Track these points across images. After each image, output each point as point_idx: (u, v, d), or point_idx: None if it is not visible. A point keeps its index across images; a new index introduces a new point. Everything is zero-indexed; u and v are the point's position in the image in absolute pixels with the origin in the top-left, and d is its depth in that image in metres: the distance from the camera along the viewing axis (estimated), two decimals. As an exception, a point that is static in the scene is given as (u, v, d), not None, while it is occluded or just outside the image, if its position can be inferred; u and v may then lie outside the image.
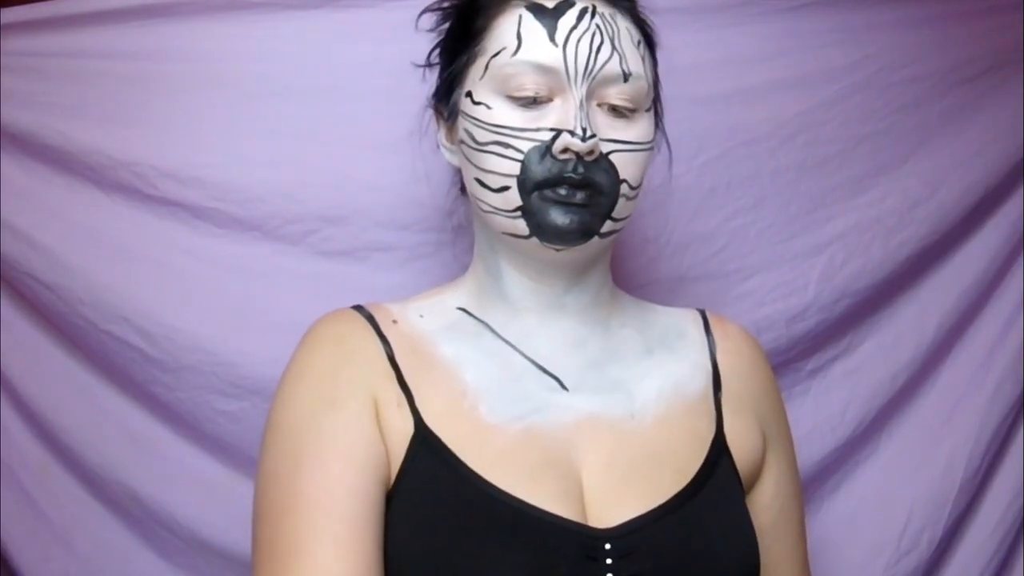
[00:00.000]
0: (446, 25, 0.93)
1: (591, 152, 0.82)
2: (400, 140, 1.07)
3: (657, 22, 0.93)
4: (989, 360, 1.30)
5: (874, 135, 1.26)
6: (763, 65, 1.23)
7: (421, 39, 0.96)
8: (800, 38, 1.25)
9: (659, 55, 0.93)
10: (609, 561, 0.79)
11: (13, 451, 1.18)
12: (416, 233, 1.15)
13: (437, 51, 0.94)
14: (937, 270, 1.30)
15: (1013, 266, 1.32)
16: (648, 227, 1.20)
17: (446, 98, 0.91)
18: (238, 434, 1.11)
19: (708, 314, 1.00)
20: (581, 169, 0.82)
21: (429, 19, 0.94)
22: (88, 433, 1.16)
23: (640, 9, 0.91)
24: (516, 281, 0.90)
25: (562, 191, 0.83)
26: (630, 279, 1.16)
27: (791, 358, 1.24)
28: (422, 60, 0.96)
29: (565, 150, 0.82)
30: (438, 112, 0.94)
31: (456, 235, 1.13)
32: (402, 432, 0.83)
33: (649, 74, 0.88)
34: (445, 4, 0.93)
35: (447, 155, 0.94)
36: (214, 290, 1.13)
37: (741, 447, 0.91)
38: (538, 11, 0.85)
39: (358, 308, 0.92)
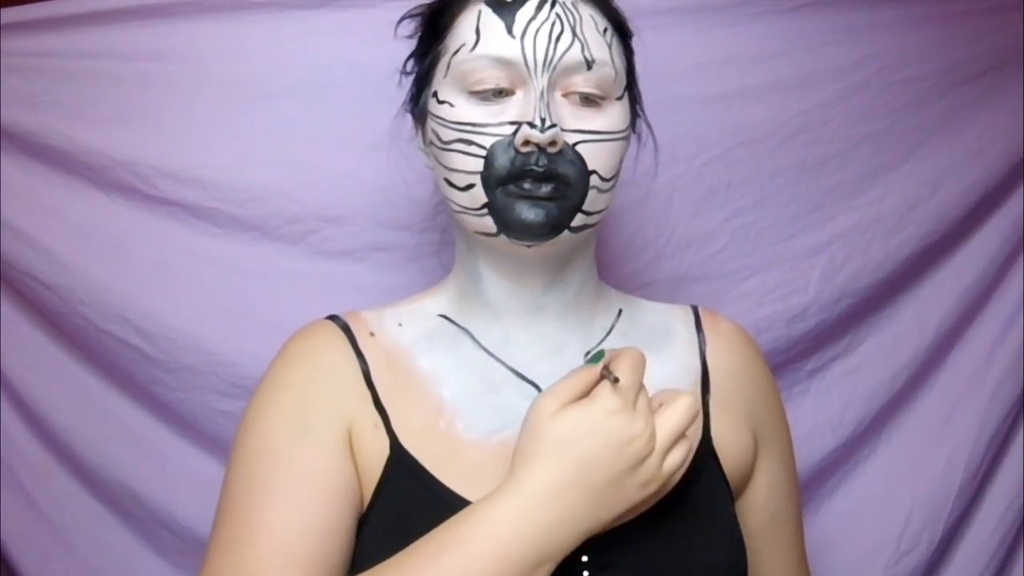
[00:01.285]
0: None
1: (553, 143, 0.80)
2: (400, 140, 1.07)
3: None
4: (989, 360, 1.30)
5: (874, 135, 1.26)
6: (763, 65, 1.23)
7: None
8: (800, 38, 1.24)
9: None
10: (586, 574, 0.78)
11: (13, 451, 1.18)
12: (416, 233, 1.15)
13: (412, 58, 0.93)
14: (937, 270, 1.30)
15: (1013, 266, 1.32)
16: (648, 227, 1.20)
17: (417, 100, 0.90)
18: (238, 434, 1.11)
19: (701, 311, 0.97)
20: (544, 161, 0.80)
21: (408, 26, 0.92)
22: (88, 433, 1.16)
23: None
24: (494, 283, 0.89)
25: (526, 185, 0.80)
26: (630, 279, 1.16)
27: (791, 358, 1.24)
28: None
29: (526, 142, 0.80)
30: (414, 116, 0.92)
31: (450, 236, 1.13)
32: (378, 454, 0.82)
33: (618, 61, 0.85)
34: (417, 10, 0.91)
35: (424, 158, 0.92)
36: (214, 290, 1.14)
37: (729, 451, 0.89)
38: (497, 5, 0.83)
39: (334, 318, 0.91)
